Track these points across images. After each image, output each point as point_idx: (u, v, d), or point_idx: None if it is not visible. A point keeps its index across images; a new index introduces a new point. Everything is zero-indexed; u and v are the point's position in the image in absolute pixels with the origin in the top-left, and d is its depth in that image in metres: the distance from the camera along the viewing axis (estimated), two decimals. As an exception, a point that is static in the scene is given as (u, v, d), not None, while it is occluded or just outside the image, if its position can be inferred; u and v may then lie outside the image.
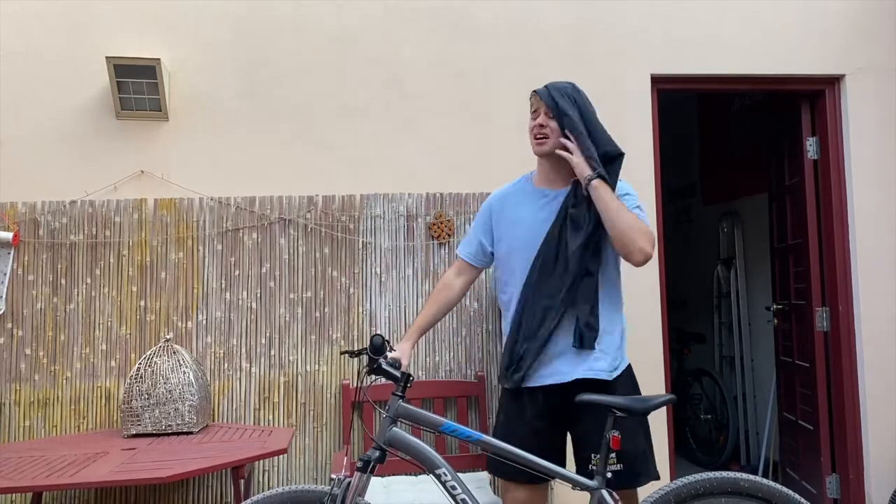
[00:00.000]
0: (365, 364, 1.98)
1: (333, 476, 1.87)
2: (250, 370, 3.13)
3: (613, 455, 1.93)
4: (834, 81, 3.60)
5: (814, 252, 3.67)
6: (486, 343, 3.24)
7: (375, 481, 2.93)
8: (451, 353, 3.22)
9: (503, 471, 2.10)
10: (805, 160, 3.70)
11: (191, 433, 2.82)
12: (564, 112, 2.10)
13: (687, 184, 5.65)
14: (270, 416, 3.13)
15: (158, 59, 3.06)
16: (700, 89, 3.91)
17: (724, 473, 1.97)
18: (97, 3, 3.18)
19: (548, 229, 2.11)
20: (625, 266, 2.16)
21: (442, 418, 1.97)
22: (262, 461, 3.06)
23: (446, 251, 3.26)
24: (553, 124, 2.13)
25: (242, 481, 2.68)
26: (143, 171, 3.16)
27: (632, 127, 3.42)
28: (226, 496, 3.06)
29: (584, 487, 1.91)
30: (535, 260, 2.11)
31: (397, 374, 1.95)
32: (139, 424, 2.80)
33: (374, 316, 3.21)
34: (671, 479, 3.33)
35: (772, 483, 1.95)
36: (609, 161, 2.10)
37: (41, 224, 3.08)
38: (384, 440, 1.92)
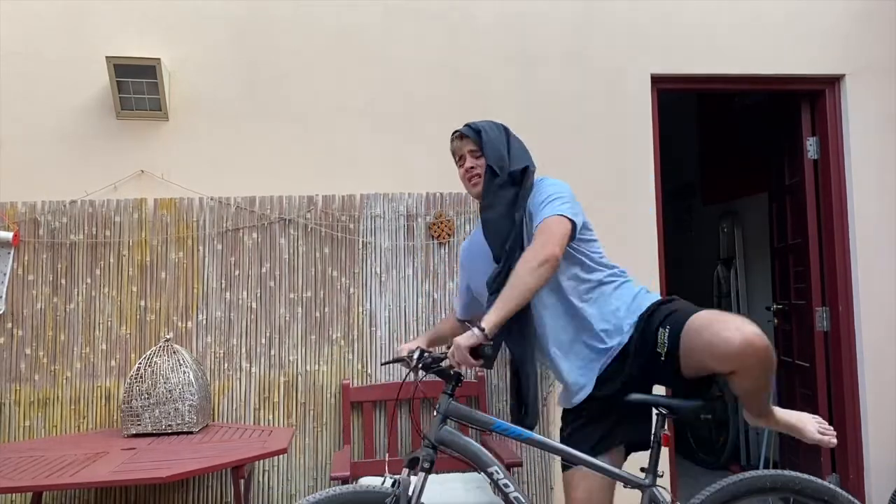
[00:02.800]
0: (414, 362, 1.96)
1: (388, 475, 1.88)
2: (250, 370, 3.13)
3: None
4: (834, 81, 3.60)
5: (814, 252, 3.67)
6: (486, 343, 3.24)
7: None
8: (451, 353, 3.22)
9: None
10: (805, 160, 3.70)
11: (191, 433, 2.82)
12: (487, 147, 2.04)
13: (687, 184, 5.65)
14: (270, 416, 3.13)
15: (158, 59, 3.06)
16: (700, 89, 3.91)
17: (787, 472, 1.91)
18: (97, 3, 3.18)
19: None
20: (626, 267, 2.15)
21: (493, 417, 1.94)
22: (262, 461, 3.06)
23: (446, 251, 3.26)
24: (482, 162, 2.08)
25: (242, 481, 2.68)
26: (143, 171, 3.16)
27: (632, 127, 3.42)
28: (226, 496, 3.06)
29: (635, 485, 1.90)
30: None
31: (450, 372, 1.93)
32: (139, 424, 2.80)
33: (374, 316, 3.21)
34: (672, 480, 3.33)
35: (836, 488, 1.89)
36: (524, 176, 2.03)
37: (41, 224, 3.08)
38: (436, 438, 1.91)
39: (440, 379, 1.94)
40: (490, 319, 1.80)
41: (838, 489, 1.89)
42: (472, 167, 2.09)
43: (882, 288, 3.49)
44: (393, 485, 1.84)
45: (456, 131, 2.13)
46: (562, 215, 1.91)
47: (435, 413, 1.93)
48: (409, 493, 1.81)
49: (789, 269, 3.95)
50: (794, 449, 3.95)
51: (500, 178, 2.01)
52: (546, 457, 3.20)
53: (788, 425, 2.02)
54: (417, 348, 1.99)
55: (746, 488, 1.88)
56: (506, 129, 2.13)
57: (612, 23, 3.44)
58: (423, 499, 1.82)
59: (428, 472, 1.85)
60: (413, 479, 1.84)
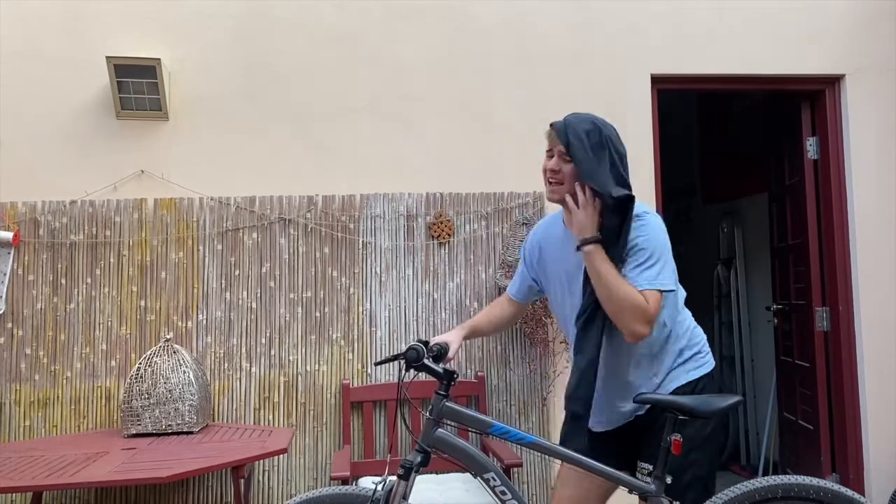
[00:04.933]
0: (404, 361, 1.81)
1: (377, 478, 1.78)
2: (250, 370, 3.13)
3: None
4: (834, 81, 3.60)
5: (814, 252, 3.66)
6: (486, 343, 3.24)
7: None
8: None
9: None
10: (805, 160, 3.70)
11: (191, 433, 2.82)
12: (580, 158, 1.80)
13: (687, 184, 5.65)
14: (270, 416, 3.13)
15: (158, 59, 3.06)
16: (700, 89, 3.91)
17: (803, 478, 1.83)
18: (97, 3, 3.18)
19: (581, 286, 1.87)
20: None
21: (491, 419, 1.82)
22: (262, 461, 3.06)
23: (446, 251, 3.26)
24: (568, 168, 1.84)
25: (242, 481, 2.68)
26: (143, 171, 3.16)
27: (632, 127, 3.41)
28: (226, 496, 3.06)
29: (641, 493, 1.79)
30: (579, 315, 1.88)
31: (440, 370, 1.78)
32: (139, 424, 2.80)
33: (374, 316, 3.21)
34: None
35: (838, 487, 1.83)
36: (621, 205, 1.81)
37: (41, 224, 3.08)
38: (428, 442, 1.79)
39: (433, 378, 1.81)
40: None
41: (857, 495, 1.80)
42: (554, 170, 1.87)
43: (882, 288, 3.49)
44: (374, 488, 1.75)
45: (552, 124, 1.89)
46: (661, 290, 1.77)
47: (427, 415, 1.81)
48: (390, 495, 1.73)
49: (789, 269, 3.95)
50: (793, 449, 3.95)
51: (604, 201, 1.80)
52: (546, 457, 3.21)
53: None
54: (436, 344, 1.87)
55: (760, 496, 1.79)
56: (607, 140, 1.83)
57: (612, 23, 3.44)
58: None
59: (406, 479, 1.75)
60: (394, 486, 1.75)
